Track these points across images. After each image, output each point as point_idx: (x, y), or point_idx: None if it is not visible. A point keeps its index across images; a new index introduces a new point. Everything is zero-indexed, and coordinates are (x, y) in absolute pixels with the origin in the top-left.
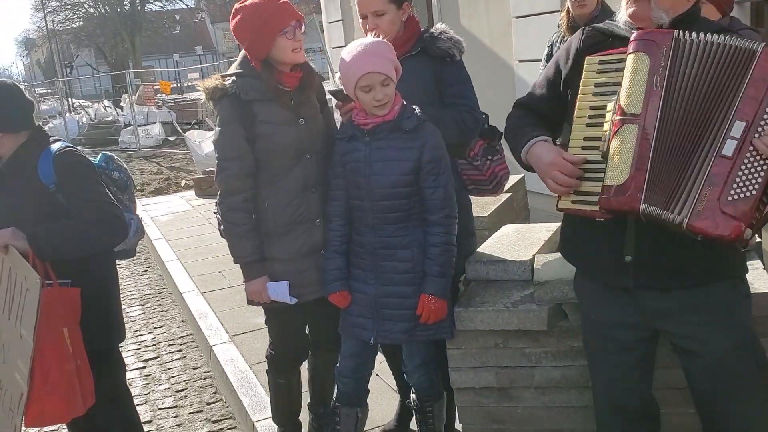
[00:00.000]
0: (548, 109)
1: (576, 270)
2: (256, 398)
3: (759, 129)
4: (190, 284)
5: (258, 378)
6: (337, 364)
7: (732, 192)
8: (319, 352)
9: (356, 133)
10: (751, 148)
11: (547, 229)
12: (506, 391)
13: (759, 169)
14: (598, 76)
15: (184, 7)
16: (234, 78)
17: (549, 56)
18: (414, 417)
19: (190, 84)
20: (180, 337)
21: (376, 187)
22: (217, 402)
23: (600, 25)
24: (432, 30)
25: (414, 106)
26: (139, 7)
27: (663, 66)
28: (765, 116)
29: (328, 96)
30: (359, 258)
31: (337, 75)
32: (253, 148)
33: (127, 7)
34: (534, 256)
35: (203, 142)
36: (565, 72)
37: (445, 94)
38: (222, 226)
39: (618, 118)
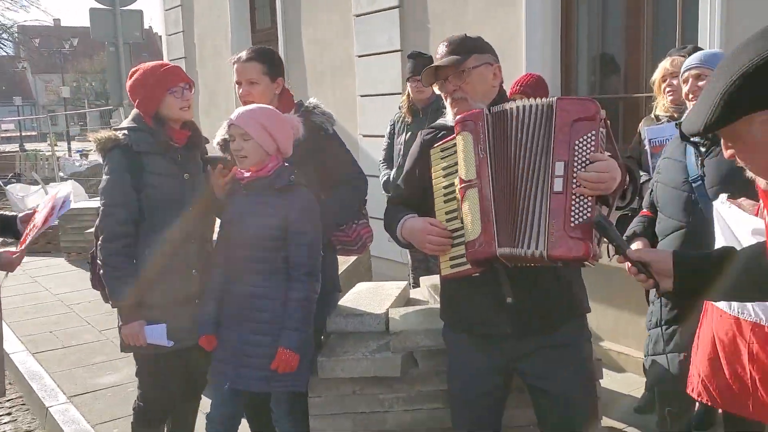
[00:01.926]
0: (414, 199)
1: (444, 324)
2: None
3: (575, 163)
4: (19, 345)
5: None
6: (209, 412)
7: (572, 219)
8: (182, 400)
9: (235, 186)
10: (574, 180)
11: (397, 287)
12: None
13: (587, 196)
14: (442, 161)
15: (4, 54)
16: (126, 131)
17: (391, 134)
18: None
19: (4, 135)
20: (8, 400)
21: (246, 238)
22: None
23: (433, 124)
24: (306, 104)
25: (291, 172)
26: None
27: (483, 137)
28: (576, 152)
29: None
30: (228, 305)
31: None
32: (138, 197)
33: None
34: (388, 309)
35: (27, 196)
36: (417, 168)
37: (332, 170)
38: (101, 270)
39: (461, 186)
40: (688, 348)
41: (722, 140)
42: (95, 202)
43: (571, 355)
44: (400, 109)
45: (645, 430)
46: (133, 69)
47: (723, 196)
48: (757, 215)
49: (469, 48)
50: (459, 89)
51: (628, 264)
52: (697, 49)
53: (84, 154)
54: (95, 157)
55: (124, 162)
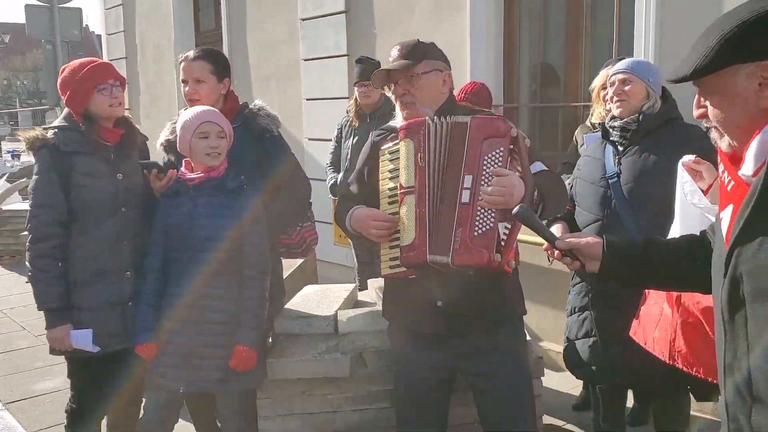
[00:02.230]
0: (362, 196)
1: (390, 323)
2: None
3: (483, 177)
4: None
5: None
6: (142, 416)
7: (476, 229)
8: (119, 407)
9: (181, 188)
10: (480, 193)
11: (345, 289)
12: None
13: (490, 209)
14: (390, 163)
15: None
16: (56, 130)
17: (339, 138)
18: None
19: None
20: None
21: (197, 240)
22: None
23: (384, 126)
24: (251, 106)
25: (237, 172)
26: None
27: (423, 146)
28: (484, 166)
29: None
30: (175, 309)
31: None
32: (67, 198)
33: None
34: (336, 311)
35: None
36: (366, 168)
37: (275, 173)
38: (29, 273)
39: (401, 192)
40: (598, 333)
41: (697, 96)
42: (24, 205)
43: (509, 358)
44: (347, 113)
45: (582, 427)
46: (63, 66)
47: (689, 157)
48: (707, 192)
49: (420, 53)
50: (408, 93)
51: (558, 253)
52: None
53: (16, 155)
54: (28, 158)
55: (51, 162)
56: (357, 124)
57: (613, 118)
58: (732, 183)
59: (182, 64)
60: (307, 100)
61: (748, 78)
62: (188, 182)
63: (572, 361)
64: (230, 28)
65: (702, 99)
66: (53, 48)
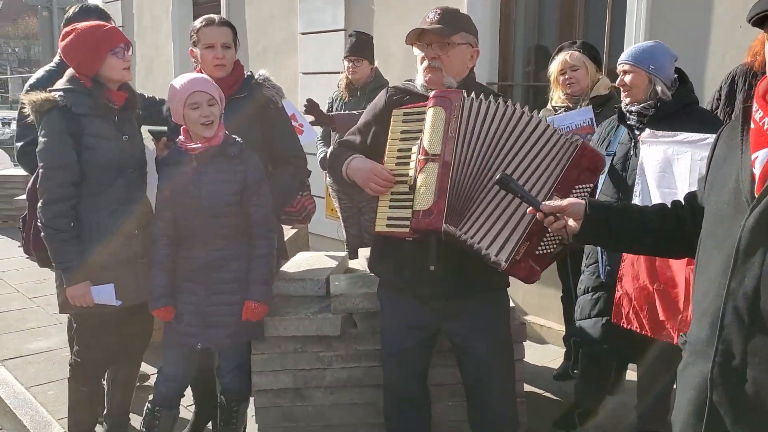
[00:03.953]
0: (362, 148)
1: (379, 283)
2: (37, 417)
3: None
4: None
5: (37, 399)
6: (161, 370)
7: (539, 248)
8: (123, 363)
9: (183, 158)
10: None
11: (336, 256)
12: (300, 391)
13: (558, 236)
14: (404, 125)
15: None
16: (62, 93)
17: (329, 111)
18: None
19: None
20: None
21: (206, 207)
22: None
23: (399, 85)
24: (256, 76)
25: (234, 136)
26: None
27: (456, 117)
28: (572, 193)
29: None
30: (190, 272)
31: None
32: (78, 160)
33: None
34: (329, 276)
35: None
36: (374, 124)
37: (277, 144)
38: (43, 233)
39: (422, 157)
40: (609, 313)
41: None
42: (21, 170)
43: (491, 321)
44: (338, 87)
45: (562, 396)
46: (68, 29)
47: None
48: None
49: (459, 24)
50: (438, 58)
51: (540, 214)
52: (585, 44)
53: (6, 122)
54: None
55: (63, 124)
56: (347, 97)
57: (630, 103)
58: None
59: (205, 29)
60: (303, 74)
61: None
62: (191, 151)
63: (584, 338)
64: (228, 0)
65: None
66: (50, 15)
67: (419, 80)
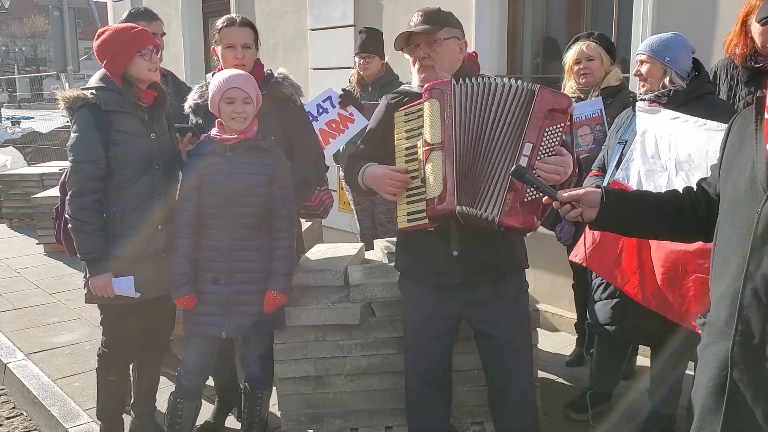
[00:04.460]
0: (374, 157)
1: (401, 275)
2: (66, 408)
3: (541, 149)
4: None
5: (65, 390)
6: (183, 362)
7: (526, 195)
8: (148, 353)
9: (217, 148)
10: (539, 160)
11: (354, 247)
12: (321, 379)
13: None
14: (406, 124)
15: None
16: (94, 90)
17: None
18: (237, 409)
19: None
20: None
21: (235, 196)
22: (17, 416)
23: (397, 90)
24: (276, 75)
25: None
26: None
27: (450, 104)
28: (544, 138)
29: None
30: (212, 262)
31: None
32: (106, 155)
33: None
34: (347, 266)
35: None
36: (379, 130)
37: (296, 140)
38: (70, 225)
39: (426, 149)
40: (621, 296)
41: None
42: (36, 169)
43: (513, 305)
44: (350, 82)
45: (575, 381)
46: (101, 29)
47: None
48: None
49: (442, 20)
50: (428, 57)
51: (556, 203)
52: (601, 35)
53: (15, 122)
54: (28, 125)
55: (93, 120)
56: (359, 92)
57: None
58: None
59: (227, 29)
60: (314, 69)
61: None
62: (225, 142)
63: (597, 319)
64: None
65: None
66: (60, 14)
67: (415, 81)
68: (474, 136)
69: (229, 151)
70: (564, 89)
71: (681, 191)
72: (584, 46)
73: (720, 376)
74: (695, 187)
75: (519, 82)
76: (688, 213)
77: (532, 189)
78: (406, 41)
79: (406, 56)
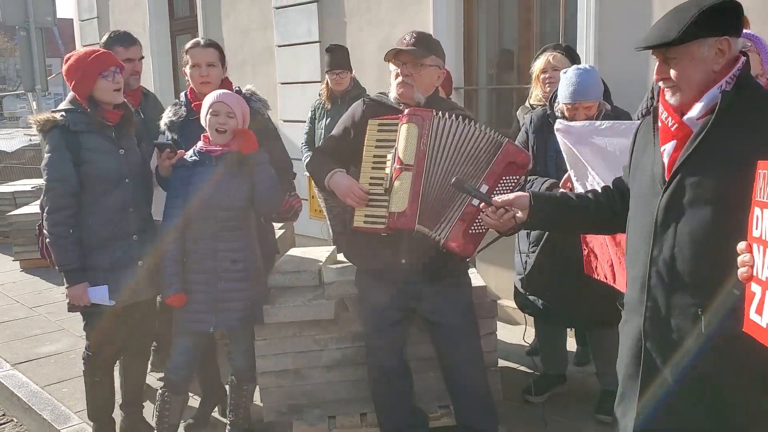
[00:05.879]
0: (339, 155)
1: (357, 270)
2: (57, 411)
3: (495, 192)
4: None
5: (54, 396)
6: (171, 359)
7: (472, 228)
8: (130, 356)
9: (204, 159)
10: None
11: (326, 250)
12: (299, 372)
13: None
14: (378, 134)
15: None
16: (63, 113)
17: (312, 119)
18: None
19: None
20: None
21: (222, 202)
22: (7, 423)
23: (374, 97)
24: (244, 90)
25: None
26: None
27: (427, 133)
28: (500, 185)
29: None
30: (199, 263)
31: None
32: (78, 172)
33: None
34: (320, 267)
35: None
36: (353, 130)
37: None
38: (48, 239)
39: (398, 166)
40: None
41: (659, 64)
42: (8, 187)
43: (454, 297)
44: (320, 96)
45: (534, 368)
46: (68, 55)
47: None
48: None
49: (431, 48)
50: (410, 76)
51: (492, 207)
52: (568, 47)
53: None
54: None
55: (62, 140)
56: (329, 106)
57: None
58: (676, 125)
59: (192, 50)
60: (281, 84)
61: (710, 48)
62: (211, 153)
63: (522, 302)
64: (205, 14)
65: (664, 65)
66: (27, 34)
67: (392, 93)
68: (443, 168)
69: (213, 162)
70: (531, 97)
71: (600, 190)
72: (551, 56)
73: (636, 347)
74: (611, 186)
75: (490, 130)
76: (607, 209)
77: (476, 224)
78: (395, 56)
79: (391, 67)
